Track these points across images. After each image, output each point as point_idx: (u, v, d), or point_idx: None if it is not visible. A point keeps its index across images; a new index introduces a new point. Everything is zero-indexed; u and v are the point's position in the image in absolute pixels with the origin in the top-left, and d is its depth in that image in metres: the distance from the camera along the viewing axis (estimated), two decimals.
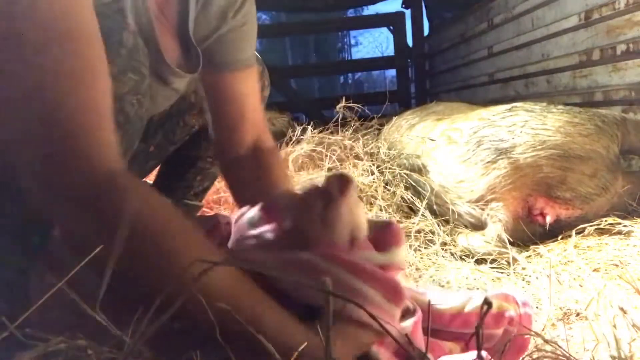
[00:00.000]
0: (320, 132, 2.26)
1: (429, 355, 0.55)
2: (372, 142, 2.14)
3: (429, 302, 0.61)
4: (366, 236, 0.65)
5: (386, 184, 1.77)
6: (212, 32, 0.97)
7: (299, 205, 0.64)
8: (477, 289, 1.12)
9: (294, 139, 2.23)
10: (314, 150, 2.03)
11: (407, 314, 0.65)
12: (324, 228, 0.60)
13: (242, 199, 0.95)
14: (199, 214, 1.35)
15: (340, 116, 2.30)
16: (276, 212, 0.67)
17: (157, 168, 1.28)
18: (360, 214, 0.65)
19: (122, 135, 0.77)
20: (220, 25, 0.97)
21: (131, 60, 0.73)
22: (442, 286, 1.14)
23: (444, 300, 0.71)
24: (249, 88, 1.01)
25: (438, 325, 0.69)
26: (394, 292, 0.59)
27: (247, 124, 1.00)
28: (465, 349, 0.67)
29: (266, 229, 0.65)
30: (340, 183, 0.61)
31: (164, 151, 1.21)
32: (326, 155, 1.97)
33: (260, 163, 1.00)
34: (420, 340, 0.62)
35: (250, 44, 1.02)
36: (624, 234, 1.24)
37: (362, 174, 1.80)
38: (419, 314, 0.65)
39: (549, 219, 1.30)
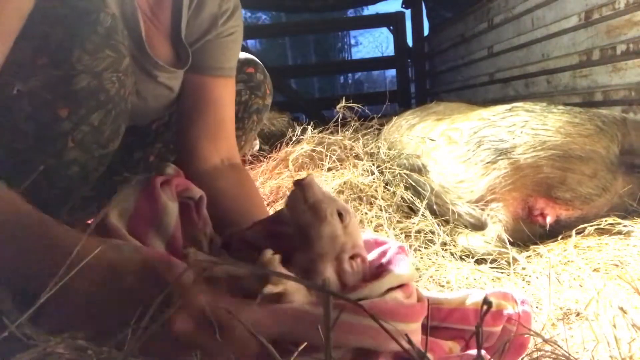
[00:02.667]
0: (320, 132, 2.26)
1: (429, 355, 0.55)
2: (372, 142, 2.14)
3: (428, 300, 0.61)
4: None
5: (386, 184, 1.76)
6: (201, 36, 0.99)
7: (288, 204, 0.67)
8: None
9: (294, 139, 2.23)
10: (314, 150, 2.03)
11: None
12: (310, 209, 0.62)
13: (218, 214, 0.81)
14: None
15: (340, 116, 2.30)
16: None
17: None
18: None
19: (106, 115, 0.78)
20: (211, 30, 0.99)
21: (109, 39, 0.75)
22: (442, 286, 1.14)
23: (441, 295, 0.71)
24: (228, 98, 1.01)
25: (436, 320, 0.68)
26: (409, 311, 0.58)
27: (223, 134, 0.98)
28: (465, 348, 0.67)
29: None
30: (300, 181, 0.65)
31: (164, 161, 1.21)
32: (326, 155, 1.97)
33: (241, 179, 0.97)
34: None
35: (235, 55, 1.04)
36: (624, 234, 1.24)
37: (362, 174, 1.79)
38: None
39: (549, 220, 1.30)
